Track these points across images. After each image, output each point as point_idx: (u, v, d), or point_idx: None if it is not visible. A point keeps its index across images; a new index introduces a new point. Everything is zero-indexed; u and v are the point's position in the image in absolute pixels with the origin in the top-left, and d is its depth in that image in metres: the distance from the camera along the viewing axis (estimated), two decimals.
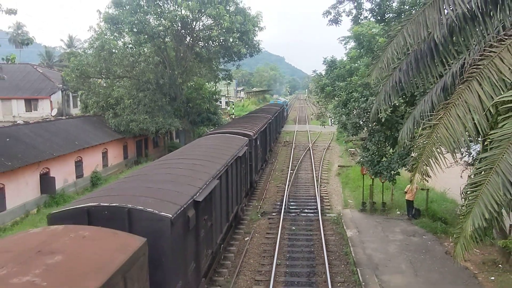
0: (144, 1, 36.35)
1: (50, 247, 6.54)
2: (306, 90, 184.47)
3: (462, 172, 16.37)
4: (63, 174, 26.24)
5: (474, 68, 8.50)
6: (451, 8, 9.05)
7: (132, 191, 10.37)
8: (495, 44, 8.34)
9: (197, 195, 10.94)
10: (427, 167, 9.11)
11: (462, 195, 8.45)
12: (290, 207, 22.86)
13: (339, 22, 21.46)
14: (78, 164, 28.18)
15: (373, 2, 20.01)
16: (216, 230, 13.85)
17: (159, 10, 36.41)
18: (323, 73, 26.61)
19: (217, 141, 20.79)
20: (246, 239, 17.99)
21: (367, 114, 18.79)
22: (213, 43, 39.87)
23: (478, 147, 13.67)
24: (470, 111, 8.26)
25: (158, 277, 8.58)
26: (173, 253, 9.04)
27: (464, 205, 8.22)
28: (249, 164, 22.76)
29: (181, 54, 39.25)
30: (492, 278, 13.74)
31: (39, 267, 5.90)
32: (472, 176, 8.17)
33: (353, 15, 20.83)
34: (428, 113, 9.80)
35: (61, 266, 6.17)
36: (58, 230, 7.51)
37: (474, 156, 15.89)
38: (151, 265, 8.08)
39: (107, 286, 5.99)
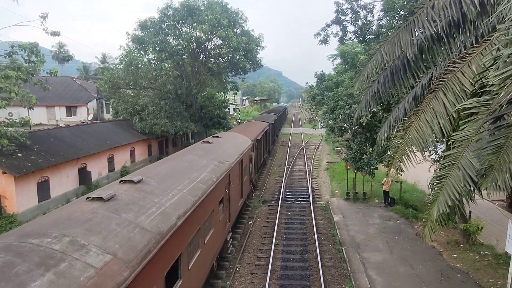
0: (165, 24, 36.37)
1: (251, 124, 30.91)
2: (300, 99, 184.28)
3: (430, 167, 16.38)
4: (97, 169, 26.29)
5: (440, 80, 8.53)
6: (421, 31, 9.08)
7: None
8: (457, 60, 8.37)
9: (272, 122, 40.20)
10: (401, 163, 9.14)
11: (430, 186, 8.48)
12: (287, 196, 22.88)
13: (327, 42, 21.52)
14: (110, 160, 28.21)
15: (356, 26, 20.05)
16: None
17: (177, 32, 36.43)
18: (314, 84, 26.66)
19: (269, 114, 50.69)
20: (250, 222, 18.02)
21: (350, 119, 18.82)
22: (222, 60, 39.86)
23: (443, 146, 13.68)
24: (436, 116, 8.29)
25: (268, 137, 32.68)
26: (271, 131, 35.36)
27: (431, 195, 8.25)
28: (281, 118, 61.56)
29: (196, 69, 39.26)
30: (455, 255, 13.76)
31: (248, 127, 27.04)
32: (437, 171, 8.19)
33: (339, 36, 20.88)
34: (402, 118, 9.82)
35: (254, 126, 28.66)
36: (248, 122, 37.27)
37: (440, 154, 15.91)
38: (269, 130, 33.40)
39: (268, 126, 32.14)
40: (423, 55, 9.50)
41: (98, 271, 4.91)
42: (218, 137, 17.57)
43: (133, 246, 5.81)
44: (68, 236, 5.34)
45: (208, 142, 15.51)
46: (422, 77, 9.72)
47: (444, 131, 8.17)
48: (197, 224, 9.07)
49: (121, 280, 5.04)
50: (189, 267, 8.45)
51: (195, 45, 37.42)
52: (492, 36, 7.73)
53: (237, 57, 37.96)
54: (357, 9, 19.71)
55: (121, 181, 8.33)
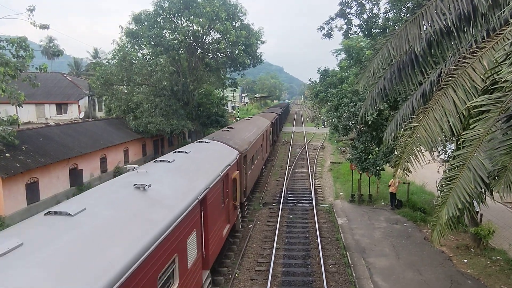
0: (160, 18, 36.40)
1: (266, 113, 46.95)
2: (302, 96, 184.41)
3: (439, 168, 16.38)
4: (89, 169, 26.31)
5: (450, 76, 8.52)
6: (429, 24, 9.07)
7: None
8: (468, 56, 8.36)
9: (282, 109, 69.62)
10: (408, 163, 9.14)
11: (438, 188, 8.46)
12: (288, 198, 22.91)
13: (331, 36, 21.53)
14: (103, 161, 28.23)
15: (361, 19, 20.06)
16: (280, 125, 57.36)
17: (173, 25, 36.48)
18: (317, 81, 26.71)
19: (276, 108, 72.41)
20: (249, 226, 18.04)
21: (355, 117, 18.83)
22: (221, 55, 39.91)
23: (453, 146, 13.70)
24: (446, 114, 8.28)
25: (277, 122, 46.88)
26: (279, 119, 51.37)
27: (440, 197, 8.24)
28: (285, 111, 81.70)
29: (193, 64, 39.30)
30: (465, 260, 13.77)
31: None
32: (447, 171, 8.19)
33: (344, 30, 20.92)
34: (409, 116, 9.81)
35: (269, 114, 43.31)
36: (263, 112, 52.75)
37: (449, 154, 15.92)
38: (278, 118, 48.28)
39: (277, 115, 46.99)
40: (432, 50, 9.48)
41: (236, 146, 16.97)
42: (251, 117, 33.99)
43: (245, 142, 18.84)
44: (221, 141, 16.83)
45: (247, 119, 30.56)
46: (430, 73, 9.71)
47: (454, 129, 8.16)
48: (256, 148, 21.57)
49: (244, 148, 17.73)
50: (254, 163, 21.32)
51: (192, 39, 37.43)
52: (505, 30, 7.72)
53: (236, 52, 37.88)
54: (363, 1, 19.72)
55: (226, 127, 21.61)
